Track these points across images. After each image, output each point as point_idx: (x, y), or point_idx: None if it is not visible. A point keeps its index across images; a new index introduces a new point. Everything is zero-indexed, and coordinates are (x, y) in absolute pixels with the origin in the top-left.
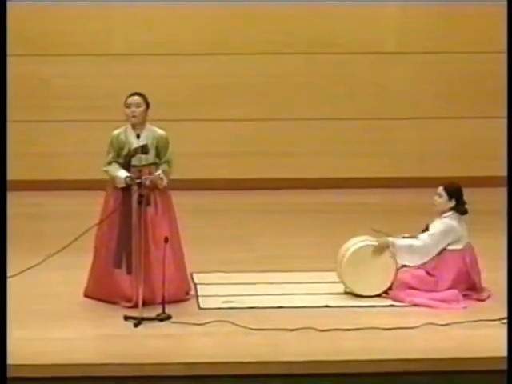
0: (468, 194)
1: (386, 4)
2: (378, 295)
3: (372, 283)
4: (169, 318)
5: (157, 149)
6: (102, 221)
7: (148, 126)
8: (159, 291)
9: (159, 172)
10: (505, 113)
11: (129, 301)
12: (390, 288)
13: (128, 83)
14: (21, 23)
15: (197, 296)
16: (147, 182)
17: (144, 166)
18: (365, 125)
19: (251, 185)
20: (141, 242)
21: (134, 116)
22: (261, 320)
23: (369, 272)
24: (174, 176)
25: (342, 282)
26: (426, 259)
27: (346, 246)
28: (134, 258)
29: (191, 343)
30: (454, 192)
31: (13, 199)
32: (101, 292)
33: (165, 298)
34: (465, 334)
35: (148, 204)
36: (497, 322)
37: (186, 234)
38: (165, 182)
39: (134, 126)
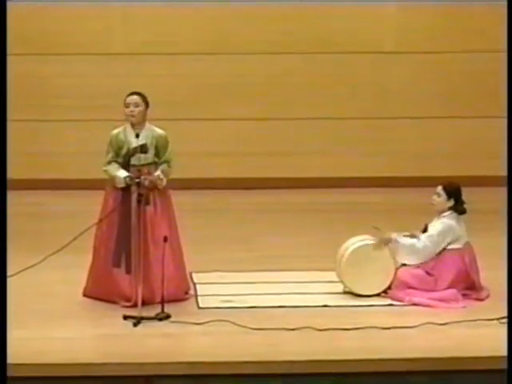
0: (468, 194)
1: (385, 4)
2: (378, 295)
3: (371, 283)
4: (168, 317)
5: (156, 148)
6: (101, 220)
7: (147, 125)
8: (158, 291)
9: (158, 172)
10: (505, 112)
11: (128, 300)
12: (389, 287)
13: (128, 82)
14: (21, 23)
15: (196, 295)
16: (146, 183)
17: (143, 165)
18: (365, 124)
19: (251, 184)
20: (140, 242)
21: (132, 115)
22: (260, 319)
23: (368, 271)
24: (173, 175)
25: (342, 281)
26: (425, 260)
27: (345, 245)
28: (133, 257)
29: (190, 343)
30: (453, 192)
31: (13, 198)
32: (100, 291)
33: (164, 298)
34: (464, 333)
35: (147, 203)
36: (496, 322)
37: (185, 234)
38: (164, 182)
39: (133, 126)
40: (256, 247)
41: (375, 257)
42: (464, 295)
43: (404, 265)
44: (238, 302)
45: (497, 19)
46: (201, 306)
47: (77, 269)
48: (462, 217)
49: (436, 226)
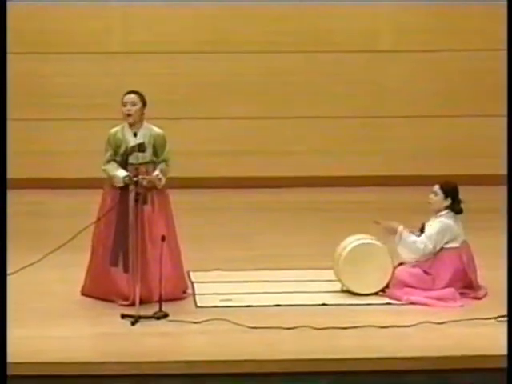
0: (468, 193)
1: (383, 2)
2: (375, 293)
3: (369, 281)
4: (166, 316)
5: (154, 147)
6: (99, 219)
7: (145, 124)
8: (156, 289)
9: (157, 172)
10: (504, 111)
11: (126, 299)
12: (386, 286)
13: (127, 81)
14: (21, 22)
15: (194, 294)
16: (144, 183)
17: (141, 164)
18: (362, 123)
19: (250, 183)
20: (138, 241)
21: (129, 114)
22: (258, 318)
23: (366, 270)
24: (172, 174)
25: (339, 280)
26: (423, 259)
27: (343, 244)
28: (131, 256)
29: (188, 341)
30: (450, 191)
31: (13, 197)
32: (98, 290)
33: (162, 297)
34: (461, 332)
35: (145, 202)
36: (493, 321)
37: (184, 233)
38: (163, 181)
39: (130, 125)
40: (254, 246)
41: (373, 256)
42: (462, 294)
43: (401, 264)
44: (235, 301)
45: (495, 18)
46: (199, 304)
47: (75, 268)
48: (460, 216)
49: (433, 226)
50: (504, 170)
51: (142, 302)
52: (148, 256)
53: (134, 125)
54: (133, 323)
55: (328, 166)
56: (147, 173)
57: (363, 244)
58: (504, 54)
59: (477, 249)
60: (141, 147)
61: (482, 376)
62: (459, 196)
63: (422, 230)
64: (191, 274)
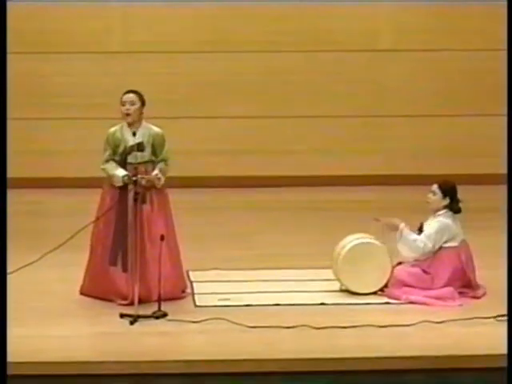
0: (468, 192)
1: (383, 2)
2: (374, 293)
3: (368, 281)
4: (165, 315)
5: (153, 146)
6: (97, 218)
7: (144, 123)
8: (155, 289)
9: (156, 172)
10: (503, 110)
11: (125, 298)
12: (385, 285)
13: (127, 81)
14: (21, 22)
15: (193, 294)
16: (143, 182)
17: (140, 163)
18: (362, 122)
19: (249, 182)
20: (136, 240)
21: (128, 114)
22: (257, 318)
23: (365, 270)
24: (172, 173)
25: (338, 279)
26: (422, 258)
27: (342, 243)
28: (130, 255)
29: (187, 341)
30: (449, 190)
31: (12, 197)
32: (97, 290)
33: (161, 296)
34: (460, 331)
35: (144, 202)
36: (492, 320)
37: (184, 232)
38: (162, 181)
39: (129, 124)
40: (254, 245)
41: (372, 255)
42: (460, 293)
43: (400, 263)
44: (234, 301)
45: (495, 18)
46: (197, 304)
47: (74, 267)
48: (459, 215)
49: (432, 225)
50: (504, 170)
51: (140, 302)
52: (147, 255)
53: (133, 124)
54: (132, 322)
55: (328, 165)
56: (146, 172)
57: (362, 243)
58: (504, 54)
59: (477, 248)
60: (140, 146)
61: (481, 375)
62: (457, 195)
63: (420, 230)
64: (190, 273)
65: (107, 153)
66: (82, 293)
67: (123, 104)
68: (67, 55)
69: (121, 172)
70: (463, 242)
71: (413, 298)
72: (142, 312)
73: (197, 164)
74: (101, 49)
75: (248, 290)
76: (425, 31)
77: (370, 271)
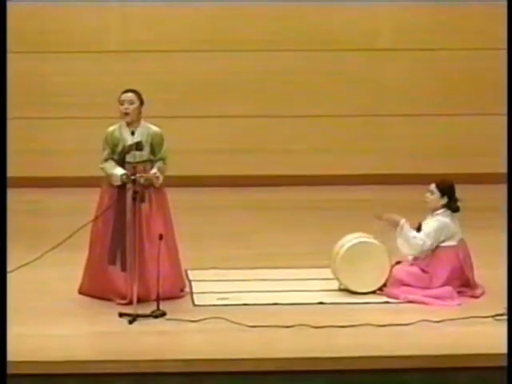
0: (467, 191)
1: (382, 1)
2: (373, 292)
3: (367, 280)
4: (163, 314)
5: (151, 145)
6: (96, 217)
7: (143, 122)
8: (154, 288)
9: (155, 170)
10: (503, 110)
11: (123, 298)
12: (384, 285)
13: (126, 80)
14: (20, 21)
15: (191, 293)
16: (142, 180)
17: (138, 162)
18: (361, 122)
19: (248, 182)
20: (135, 239)
21: (126, 113)
22: (256, 317)
23: (363, 269)
24: (171, 173)
25: (337, 278)
26: (421, 255)
27: (340, 242)
28: (129, 254)
29: (186, 340)
30: (447, 189)
31: (12, 196)
32: (95, 289)
33: (159, 295)
34: (459, 330)
35: (142, 201)
36: (491, 319)
37: (182, 231)
38: (160, 180)
39: (128, 123)
40: (253, 244)
41: (370, 254)
42: (459, 292)
43: (399, 262)
44: (233, 300)
45: (494, 17)
46: (196, 303)
47: (73, 266)
48: (457, 214)
49: (431, 224)
50: (504, 169)
51: (139, 301)
52: (146, 254)
53: (132, 123)
54: (130, 322)
55: (327, 164)
56: (145, 171)
57: (361, 242)
58: (503, 53)
59: (476, 247)
60: (138, 146)
61: (480, 374)
62: (455, 194)
63: (418, 229)
64: (189, 272)
65: (106, 152)
66: (81, 292)
67: (122, 103)
68: (67, 55)
69: (119, 171)
70: (461, 241)
71: (411, 297)
72: (140, 311)
73: (195, 163)
74: (100, 48)
75: (247, 289)
76: (424, 30)
77: (368, 270)
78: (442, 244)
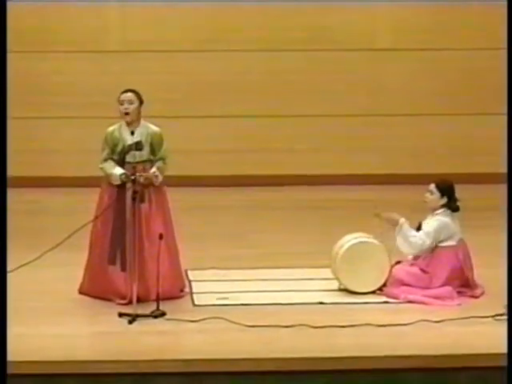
0: (468, 191)
1: (382, 1)
2: (373, 292)
3: (366, 280)
4: (163, 314)
5: (151, 145)
6: (96, 217)
7: (142, 122)
8: (153, 288)
9: (154, 169)
10: (503, 109)
11: (123, 298)
12: (384, 285)
13: (125, 80)
14: (19, 20)
15: (191, 293)
16: (142, 179)
17: (138, 162)
18: (361, 121)
19: (249, 181)
20: (135, 239)
21: (126, 113)
22: (255, 317)
23: (363, 269)
24: (171, 172)
25: (337, 278)
26: (420, 254)
27: (340, 242)
28: (128, 254)
29: (185, 340)
30: (446, 189)
31: (11, 195)
32: (95, 289)
33: (159, 295)
34: (459, 330)
35: (142, 201)
36: (490, 319)
37: (181, 231)
38: (160, 179)
39: (128, 123)
40: (253, 244)
41: (370, 254)
42: (459, 292)
43: (399, 262)
44: (233, 300)
45: (495, 17)
46: (196, 303)
47: (73, 266)
48: (457, 214)
49: (431, 223)
50: (504, 169)
51: (139, 301)
52: (145, 254)
53: (132, 123)
54: (130, 322)
55: (327, 164)
56: (144, 171)
57: (360, 242)
58: (503, 53)
59: (476, 247)
60: (138, 146)
61: (479, 374)
62: (455, 194)
63: (418, 229)
64: (189, 272)
65: (105, 152)
66: (80, 292)
67: (121, 103)
68: (65, 54)
69: (118, 170)
70: (461, 241)
71: (411, 297)
72: (140, 311)
73: (196, 163)
74: (99, 48)
75: (246, 289)
76: (424, 30)
77: (368, 270)
78: (442, 244)
